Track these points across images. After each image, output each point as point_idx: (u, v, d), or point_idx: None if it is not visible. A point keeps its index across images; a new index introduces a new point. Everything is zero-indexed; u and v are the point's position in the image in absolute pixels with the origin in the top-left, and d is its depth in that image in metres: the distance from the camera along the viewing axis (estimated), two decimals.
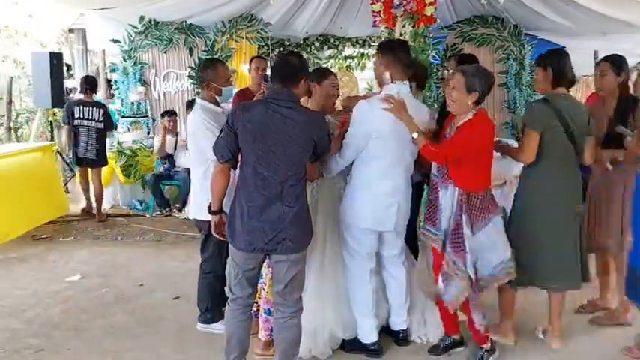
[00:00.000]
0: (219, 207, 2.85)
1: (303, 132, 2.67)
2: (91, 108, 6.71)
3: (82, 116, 6.66)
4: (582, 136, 3.23)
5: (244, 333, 2.86)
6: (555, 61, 3.25)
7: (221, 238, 2.92)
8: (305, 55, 8.80)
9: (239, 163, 2.78)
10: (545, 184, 3.22)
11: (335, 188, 3.37)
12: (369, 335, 3.25)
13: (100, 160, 6.80)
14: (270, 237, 2.66)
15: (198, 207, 3.45)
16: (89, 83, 6.88)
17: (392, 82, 3.13)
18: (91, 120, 6.70)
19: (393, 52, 3.17)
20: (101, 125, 6.75)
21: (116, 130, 8.00)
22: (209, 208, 2.89)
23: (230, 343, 2.84)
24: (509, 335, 3.38)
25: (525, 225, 3.24)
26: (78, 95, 6.95)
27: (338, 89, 3.45)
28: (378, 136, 3.04)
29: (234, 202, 2.74)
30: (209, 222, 3.43)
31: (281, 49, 8.75)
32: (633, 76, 6.60)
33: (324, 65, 8.74)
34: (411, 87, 3.27)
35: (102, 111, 6.78)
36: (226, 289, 2.88)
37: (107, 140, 7.16)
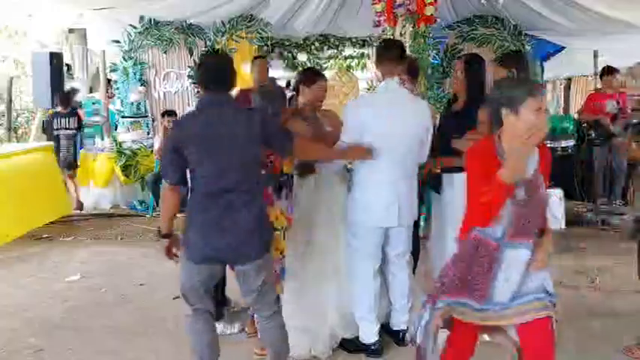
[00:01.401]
0: (170, 229, 2.69)
1: (248, 132, 2.55)
2: (67, 118, 7.38)
3: (60, 126, 7.34)
4: None
5: (212, 340, 2.72)
6: (518, 62, 3.23)
7: (172, 260, 2.77)
8: (305, 55, 8.82)
9: (190, 176, 2.64)
10: None
11: (334, 187, 3.39)
12: (369, 335, 3.24)
13: (77, 161, 7.50)
14: (230, 247, 2.54)
15: None
16: (65, 97, 7.57)
17: (383, 79, 3.19)
18: (69, 129, 7.38)
19: (380, 51, 3.28)
20: (76, 132, 7.48)
21: (116, 129, 8.02)
22: (158, 231, 2.73)
23: (197, 353, 2.69)
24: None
25: None
26: (56, 108, 7.50)
27: (325, 92, 3.47)
28: (373, 133, 3.03)
29: (189, 214, 2.61)
30: None
31: (281, 48, 8.76)
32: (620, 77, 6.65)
33: (325, 65, 8.75)
34: (403, 82, 3.30)
35: (76, 119, 7.48)
36: (182, 299, 2.76)
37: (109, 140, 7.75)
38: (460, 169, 3.48)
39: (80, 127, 7.55)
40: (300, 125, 3.32)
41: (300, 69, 3.44)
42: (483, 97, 3.59)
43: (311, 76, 3.45)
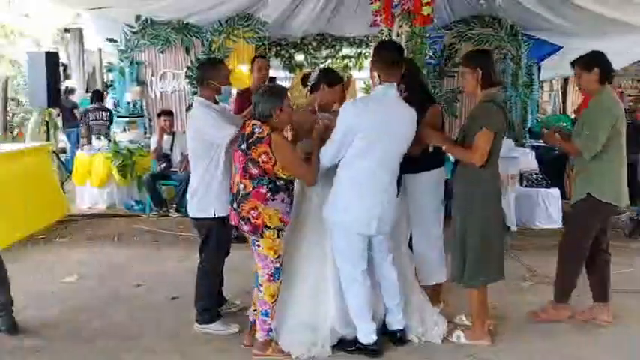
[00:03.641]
0: None
1: None
2: (100, 112, 8.36)
3: (95, 119, 8.32)
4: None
5: None
6: (482, 62, 3.25)
7: None
8: (302, 55, 8.83)
9: None
10: (490, 185, 3.25)
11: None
12: (367, 335, 3.22)
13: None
14: None
15: (197, 204, 3.47)
16: (100, 94, 8.76)
17: (380, 83, 3.13)
18: (101, 120, 8.33)
19: (379, 53, 3.22)
20: (109, 123, 8.36)
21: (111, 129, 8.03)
22: None
23: None
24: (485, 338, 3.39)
25: (480, 228, 3.24)
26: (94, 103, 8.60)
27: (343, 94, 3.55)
28: (364, 136, 3.01)
29: None
30: (208, 221, 3.45)
31: (278, 48, 8.76)
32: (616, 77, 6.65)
33: (322, 65, 8.75)
34: (400, 90, 3.27)
35: (108, 112, 8.38)
36: None
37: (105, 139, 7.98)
38: (416, 170, 3.49)
39: (111, 120, 8.35)
40: (312, 121, 3.38)
41: (322, 68, 3.65)
42: (423, 98, 3.57)
43: (334, 76, 3.52)
